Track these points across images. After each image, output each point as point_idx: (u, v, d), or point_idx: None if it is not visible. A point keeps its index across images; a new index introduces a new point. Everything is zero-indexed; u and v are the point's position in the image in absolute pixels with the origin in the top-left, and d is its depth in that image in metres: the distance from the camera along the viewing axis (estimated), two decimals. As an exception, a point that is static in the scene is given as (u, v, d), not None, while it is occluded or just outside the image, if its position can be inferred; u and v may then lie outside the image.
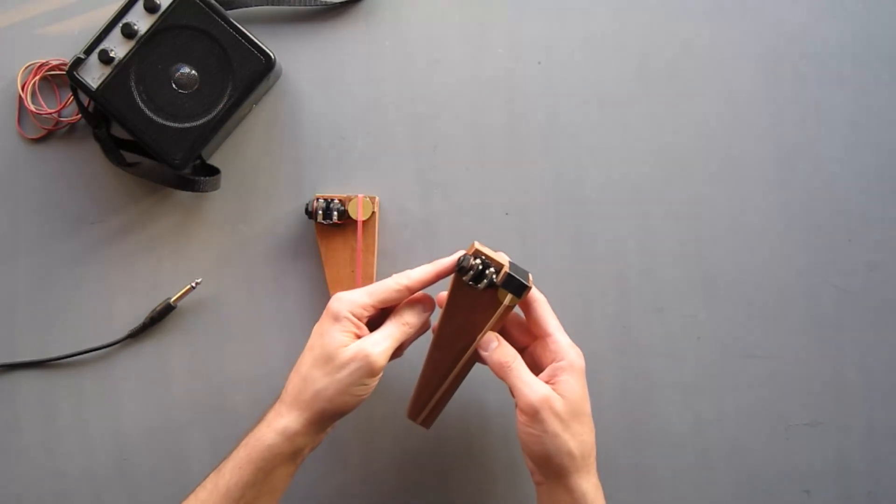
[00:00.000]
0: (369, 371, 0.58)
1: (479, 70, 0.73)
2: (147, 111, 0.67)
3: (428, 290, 0.63)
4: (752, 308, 0.73)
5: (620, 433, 0.73)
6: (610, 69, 0.73)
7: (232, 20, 0.67)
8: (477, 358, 0.62)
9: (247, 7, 0.71)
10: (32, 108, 0.71)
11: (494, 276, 0.59)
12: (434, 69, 0.73)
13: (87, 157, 0.72)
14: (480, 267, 0.59)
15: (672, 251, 0.73)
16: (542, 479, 0.60)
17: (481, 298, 0.60)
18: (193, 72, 0.67)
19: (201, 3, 0.66)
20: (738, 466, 0.73)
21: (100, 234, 0.72)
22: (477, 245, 0.60)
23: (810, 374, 0.73)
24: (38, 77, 0.71)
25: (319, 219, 0.70)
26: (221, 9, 0.67)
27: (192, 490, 0.60)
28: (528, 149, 0.73)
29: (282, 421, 0.59)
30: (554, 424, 0.57)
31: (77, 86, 0.67)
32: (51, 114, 0.71)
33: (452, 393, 0.64)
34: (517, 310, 0.62)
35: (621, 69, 0.73)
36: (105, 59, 0.66)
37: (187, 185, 0.69)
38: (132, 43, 0.66)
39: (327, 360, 0.59)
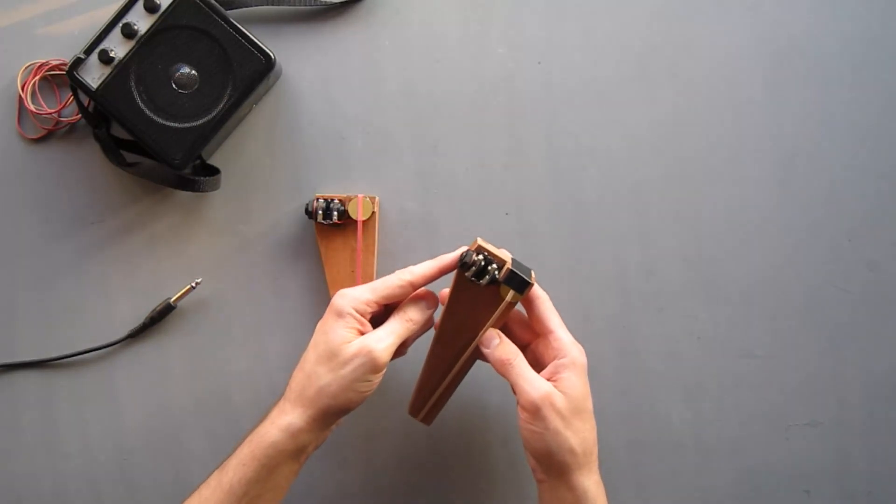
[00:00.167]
0: (373, 367, 0.58)
1: (479, 70, 0.73)
2: (147, 111, 0.67)
3: (431, 288, 0.63)
4: (752, 308, 0.73)
5: (621, 433, 0.73)
6: (610, 69, 0.73)
7: (232, 20, 0.67)
8: (478, 355, 0.62)
9: (247, 7, 0.71)
10: (32, 108, 0.71)
11: (497, 273, 0.59)
12: (434, 69, 0.73)
13: (87, 157, 0.72)
14: (483, 263, 0.59)
15: (672, 251, 0.73)
16: (543, 477, 0.60)
17: (483, 295, 0.60)
18: (193, 72, 0.67)
19: (201, 3, 0.66)
20: (738, 466, 0.73)
21: (100, 234, 0.72)
22: (480, 241, 0.60)
23: (810, 374, 0.73)
24: (38, 77, 0.71)
25: (319, 219, 0.70)
26: (221, 9, 0.67)
27: (196, 487, 0.60)
28: (528, 149, 0.73)
29: (286, 418, 0.59)
30: (555, 421, 0.57)
31: (77, 86, 0.67)
32: (51, 114, 0.71)
33: (453, 390, 0.64)
34: (519, 307, 0.62)
35: (621, 69, 0.73)
36: (105, 59, 0.66)
37: (187, 185, 0.69)
38: (132, 43, 0.66)
39: (331, 356, 0.59)
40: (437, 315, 0.63)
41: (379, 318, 0.62)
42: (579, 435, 0.58)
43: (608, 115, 0.73)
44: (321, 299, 0.72)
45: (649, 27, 0.73)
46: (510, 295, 0.60)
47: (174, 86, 0.67)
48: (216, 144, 0.71)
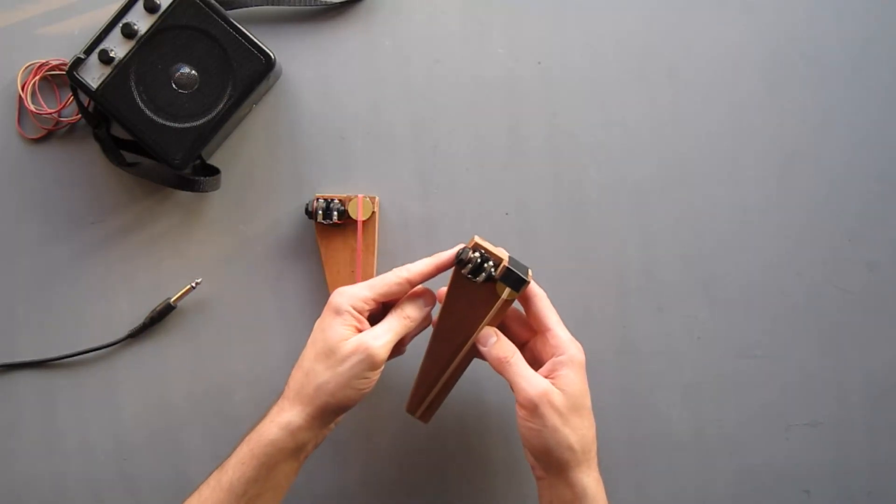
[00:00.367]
0: (371, 364, 0.58)
1: (479, 70, 0.73)
2: (147, 111, 0.67)
3: (430, 285, 0.63)
4: (752, 308, 0.73)
5: (620, 433, 0.73)
6: (610, 69, 0.73)
7: (232, 20, 0.67)
8: (476, 353, 0.62)
9: (247, 7, 0.71)
10: (32, 108, 0.71)
11: (493, 270, 0.59)
12: (434, 69, 0.73)
13: (87, 157, 0.72)
14: (479, 260, 0.59)
15: (672, 251, 0.73)
16: (542, 474, 0.60)
17: (480, 292, 0.60)
18: (193, 72, 0.67)
19: (201, 3, 0.66)
20: (738, 466, 0.73)
21: (100, 234, 0.72)
22: (477, 239, 0.60)
23: (810, 374, 0.73)
24: (38, 77, 0.71)
25: (319, 219, 0.70)
26: (221, 9, 0.67)
27: (196, 487, 0.60)
28: (528, 149, 0.73)
29: (285, 416, 0.59)
30: (553, 419, 0.57)
31: (77, 86, 0.67)
32: (51, 114, 0.71)
33: (451, 387, 0.64)
34: (518, 305, 0.62)
35: (621, 69, 0.73)
36: (105, 59, 0.66)
37: (187, 185, 0.69)
38: (132, 43, 0.66)
39: (329, 353, 0.59)
40: (436, 312, 0.63)
41: (377, 315, 0.62)
42: (578, 432, 0.58)
43: (608, 115, 0.73)
44: (321, 299, 0.72)
45: (649, 27, 0.73)
46: (507, 293, 0.60)
47: (174, 86, 0.67)
48: (216, 144, 0.71)
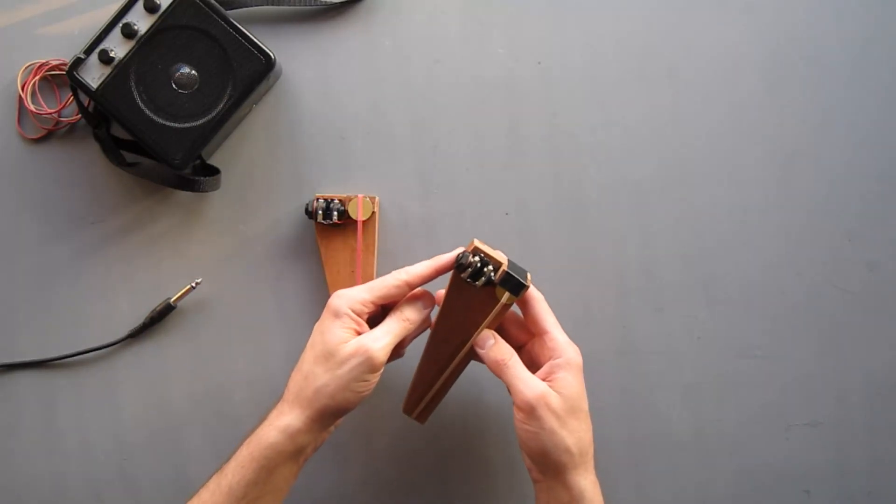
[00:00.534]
0: (370, 366, 0.58)
1: (479, 70, 0.73)
2: (147, 111, 0.67)
3: (428, 287, 0.63)
4: (751, 308, 0.73)
5: (620, 433, 0.73)
6: (610, 69, 0.73)
7: (232, 20, 0.67)
8: (473, 355, 0.62)
9: (247, 7, 0.71)
10: (32, 108, 0.71)
11: (493, 274, 0.59)
12: (434, 69, 0.73)
13: (87, 157, 0.72)
14: (479, 264, 0.59)
15: (672, 251, 0.73)
16: (539, 477, 0.60)
17: (479, 296, 0.60)
18: (193, 72, 0.67)
19: (201, 3, 0.66)
20: (737, 466, 0.73)
21: (100, 234, 0.72)
22: (476, 242, 0.60)
23: (810, 374, 0.73)
24: (38, 77, 0.71)
25: (319, 219, 0.70)
26: (221, 9, 0.67)
27: (195, 491, 0.60)
28: (528, 149, 0.73)
29: (284, 419, 0.59)
30: (550, 421, 0.57)
31: (77, 86, 0.67)
32: (51, 114, 0.71)
33: (448, 389, 0.64)
34: (515, 307, 0.62)
35: (621, 69, 0.73)
36: (105, 59, 0.66)
37: (187, 185, 0.69)
38: (132, 43, 0.66)
39: (328, 356, 0.59)
40: (434, 315, 0.63)
41: (376, 318, 0.62)
42: (575, 434, 0.58)
43: (608, 115, 0.73)
44: (321, 299, 0.72)
45: (649, 27, 0.73)
46: (505, 297, 0.60)
47: (174, 86, 0.67)
48: (216, 144, 0.71)
